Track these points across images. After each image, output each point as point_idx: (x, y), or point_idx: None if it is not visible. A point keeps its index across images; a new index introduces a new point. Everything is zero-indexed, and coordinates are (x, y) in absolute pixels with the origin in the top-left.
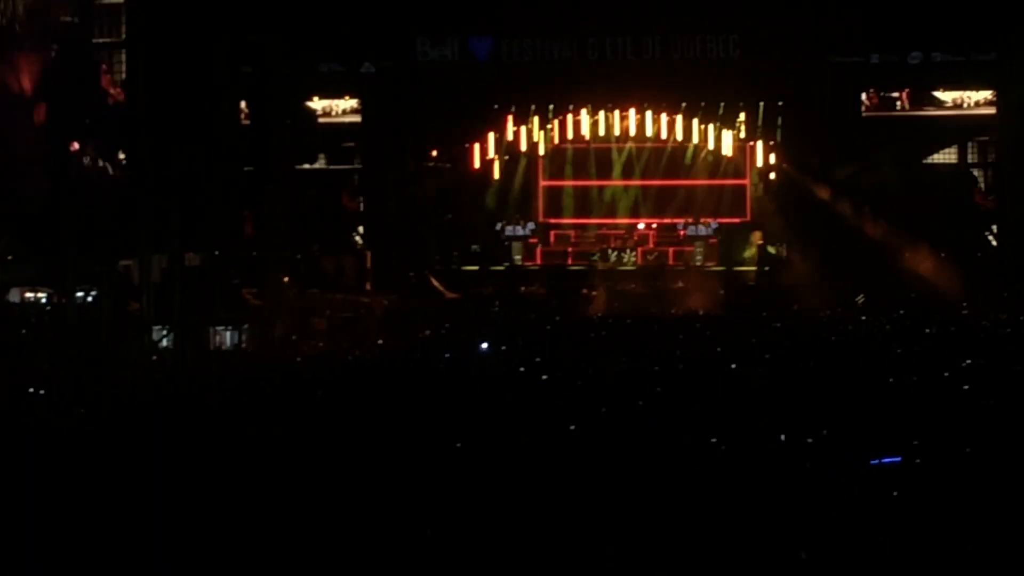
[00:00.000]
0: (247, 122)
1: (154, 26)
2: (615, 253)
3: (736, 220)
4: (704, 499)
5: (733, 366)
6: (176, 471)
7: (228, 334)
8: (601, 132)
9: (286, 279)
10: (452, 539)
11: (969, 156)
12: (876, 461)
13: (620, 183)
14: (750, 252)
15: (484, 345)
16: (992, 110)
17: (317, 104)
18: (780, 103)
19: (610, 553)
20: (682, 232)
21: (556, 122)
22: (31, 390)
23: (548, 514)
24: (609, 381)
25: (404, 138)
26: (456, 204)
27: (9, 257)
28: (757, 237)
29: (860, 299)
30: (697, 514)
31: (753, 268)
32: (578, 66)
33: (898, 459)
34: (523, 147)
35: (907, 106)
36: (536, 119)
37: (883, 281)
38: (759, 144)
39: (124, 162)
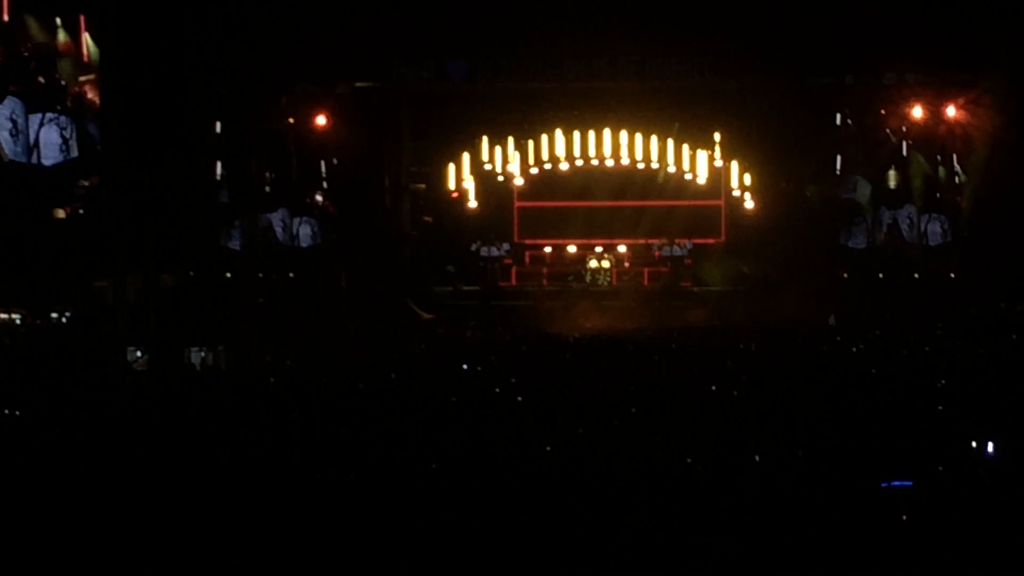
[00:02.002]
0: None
1: (129, 47)
2: (589, 274)
3: (711, 240)
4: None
5: (712, 387)
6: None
7: (203, 355)
8: (576, 153)
9: (260, 300)
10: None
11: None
12: (887, 484)
13: (595, 204)
14: (721, 272)
15: (464, 366)
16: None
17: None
18: (754, 124)
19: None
20: (657, 252)
21: (531, 143)
22: (5, 411)
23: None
24: (584, 401)
25: (379, 159)
26: (430, 225)
27: None
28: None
29: (832, 320)
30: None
31: (727, 288)
32: (553, 88)
33: (909, 483)
34: (498, 168)
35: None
36: (511, 140)
37: (857, 301)
38: (733, 165)
39: (100, 183)
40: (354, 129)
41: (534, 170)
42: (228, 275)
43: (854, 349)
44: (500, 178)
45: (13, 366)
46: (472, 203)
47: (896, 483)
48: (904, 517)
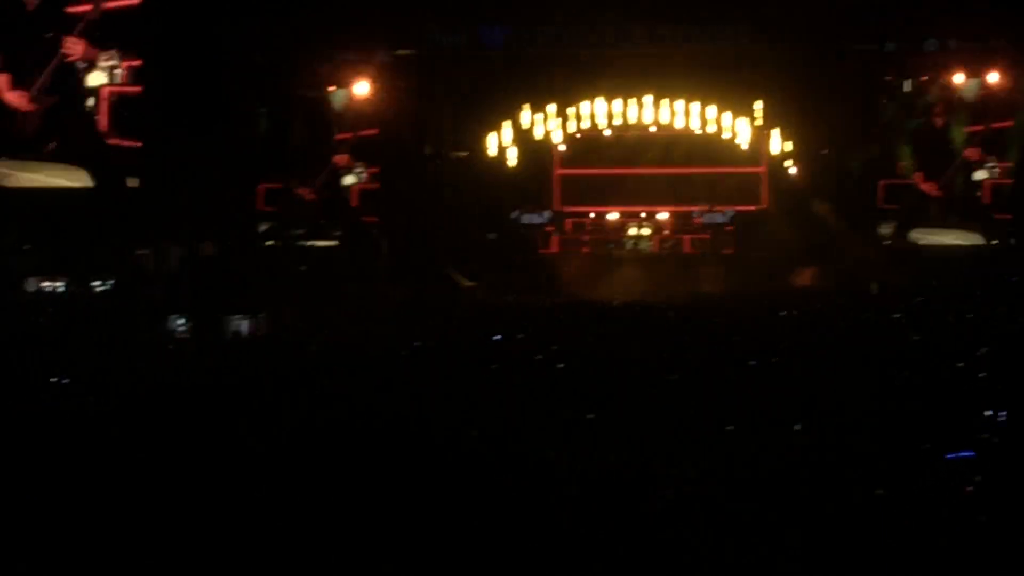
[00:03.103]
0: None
1: (167, 16)
2: (631, 242)
3: (752, 207)
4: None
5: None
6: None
7: (244, 323)
8: (616, 120)
9: (302, 268)
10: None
11: None
12: (953, 455)
13: (636, 171)
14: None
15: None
16: None
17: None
18: (796, 90)
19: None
20: (698, 220)
21: (572, 110)
22: (53, 379)
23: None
24: (623, 368)
25: (419, 127)
26: (472, 193)
27: (26, 247)
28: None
29: (874, 287)
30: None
31: (766, 255)
32: (593, 54)
33: (972, 454)
34: (539, 135)
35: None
36: (551, 107)
37: (895, 270)
38: (775, 132)
39: (139, 150)
40: (394, 97)
41: (575, 137)
42: (270, 243)
43: (897, 316)
44: (541, 145)
45: (58, 334)
46: (513, 170)
47: (961, 454)
48: (969, 488)
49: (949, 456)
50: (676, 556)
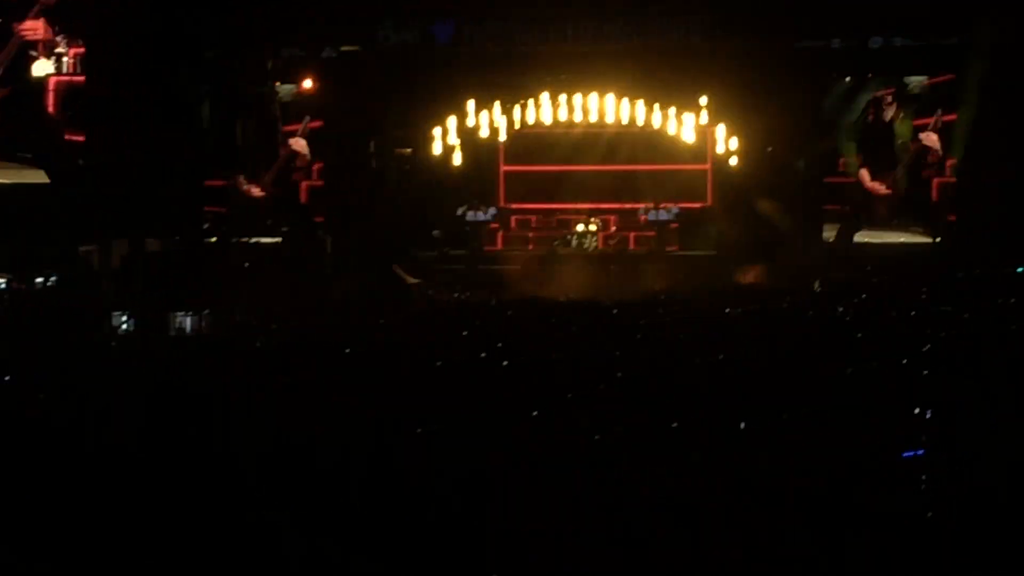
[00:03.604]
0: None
1: (114, 10)
2: (576, 238)
3: (697, 204)
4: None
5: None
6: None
7: (188, 319)
8: (563, 117)
9: (246, 264)
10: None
11: None
12: (910, 454)
13: (581, 168)
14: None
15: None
16: None
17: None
18: (741, 87)
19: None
20: (643, 217)
21: (518, 106)
22: None
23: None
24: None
25: (365, 123)
26: (417, 189)
27: None
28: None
29: (817, 285)
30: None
31: (711, 252)
32: (540, 50)
33: (921, 452)
34: (484, 132)
35: None
36: (497, 103)
37: (839, 267)
38: (720, 128)
39: (85, 146)
40: (340, 93)
41: (521, 133)
42: (214, 239)
43: (840, 311)
44: (486, 142)
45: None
46: (458, 167)
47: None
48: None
49: (906, 455)
50: (622, 551)
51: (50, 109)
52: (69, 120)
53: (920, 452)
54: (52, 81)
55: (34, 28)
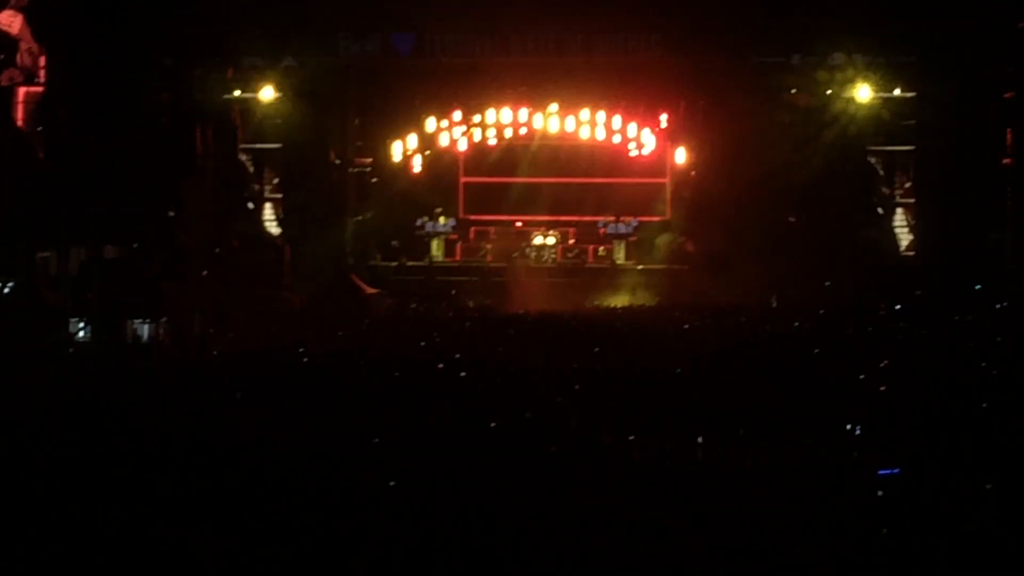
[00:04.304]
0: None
1: (73, 16)
2: (534, 251)
3: (656, 218)
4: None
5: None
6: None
7: (146, 327)
8: (522, 130)
9: (205, 273)
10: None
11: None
12: (886, 472)
13: (541, 180)
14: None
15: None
16: None
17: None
18: (701, 102)
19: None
20: (603, 230)
21: (477, 118)
22: None
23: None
24: (527, 378)
25: (325, 133)
26: (376, 199)
27: None
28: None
29: (773, 301)
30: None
31: (670, 266)
32: (500, 63)
33: (896, 471)
34: (444, 143)
35: None
36: (457, 115)
37: (798, 280)
38: (679, 143)
39: (43, 153)
40: (300, 103)
41: (480, 145)
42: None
43: (796, 326)
44: (446, 153)
45: None
46: (417, 178)
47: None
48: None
49: (881, 472)
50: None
51: (19, 122)
52: (30, 126)
53: (895, 471)
54: (22, 92)
55: (10, 22)
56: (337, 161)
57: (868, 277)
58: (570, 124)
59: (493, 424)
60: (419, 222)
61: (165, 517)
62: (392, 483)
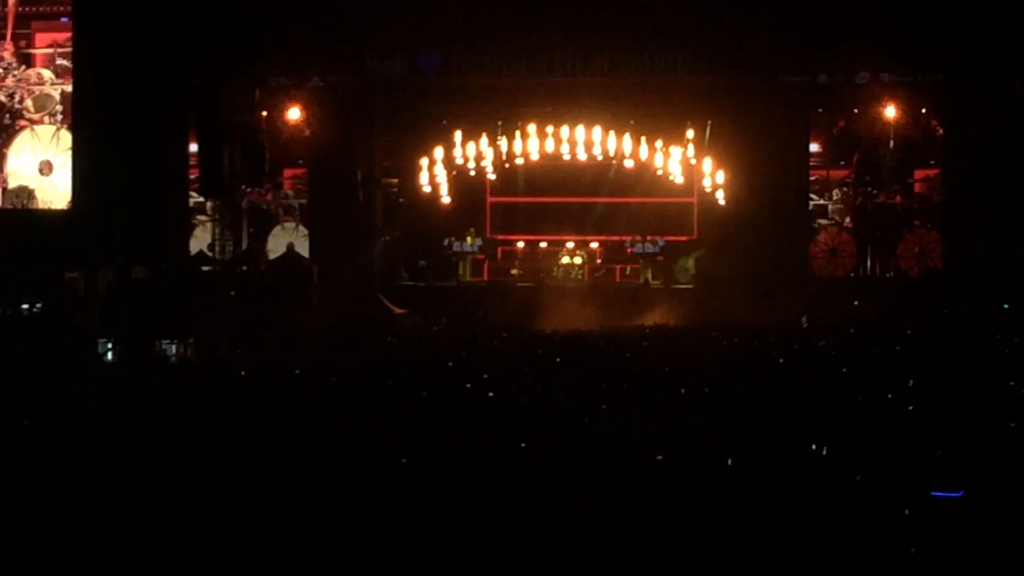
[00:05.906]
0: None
1: (101, 40)
2: (561, 271)
3: (683, 238)
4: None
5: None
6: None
7: (173, 347)
8: (549, 149)
9: (232, 293)
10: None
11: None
12: (940, 494)
13: (568, 200)
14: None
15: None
16: None
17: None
18: (728, 122)
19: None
20: (630, 249)
21: (504, 138)
22: None
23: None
24: (556, 398)
25: (351, 153)
26: (403, 219)
27: None
28: None
29: (804, 320)
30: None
31: (697, 286)
32: (526, 83)
33: (960, 493)
34: (471, 163)
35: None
36: (484, 135)
37: (827, 301)
38: (706, 162)
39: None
40: (327, 123)
41: (507, 165)
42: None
43: (823, 345)
44: (473, 173)
45: None
46: (444, 198)
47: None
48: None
49: (935, 493)
50: None
51: None
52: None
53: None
54: None
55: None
56: (364, 181)
57: (898, 295)
58: (597, 143)
59: (523, 445)
60: (446, 242)
61: (191, 537)
62: (420, 503)
